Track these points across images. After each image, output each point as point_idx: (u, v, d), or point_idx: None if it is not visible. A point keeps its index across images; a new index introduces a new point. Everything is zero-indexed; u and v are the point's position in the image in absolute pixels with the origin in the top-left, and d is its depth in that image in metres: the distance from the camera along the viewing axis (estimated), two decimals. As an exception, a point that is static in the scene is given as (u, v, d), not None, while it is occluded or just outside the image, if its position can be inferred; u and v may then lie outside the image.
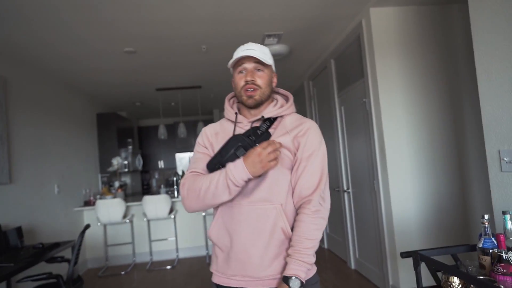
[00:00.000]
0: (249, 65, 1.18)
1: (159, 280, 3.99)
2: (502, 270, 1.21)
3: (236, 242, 1.12)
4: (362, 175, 3.29)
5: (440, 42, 2.84)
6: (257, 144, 1.09)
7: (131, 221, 4.73)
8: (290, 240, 1.12)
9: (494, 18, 1.58)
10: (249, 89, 1.17)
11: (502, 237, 1.24)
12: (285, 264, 1.09)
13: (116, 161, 4.96)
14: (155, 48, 3.44)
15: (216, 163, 1.12)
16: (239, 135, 1.14)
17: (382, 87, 2.79)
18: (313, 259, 1.11)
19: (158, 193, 5.73)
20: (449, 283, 1.30)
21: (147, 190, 7.82)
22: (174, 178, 5.28)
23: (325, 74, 4.14)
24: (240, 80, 1.19)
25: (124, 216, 4.50)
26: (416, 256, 1.42)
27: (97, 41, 3.14)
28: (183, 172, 5.15)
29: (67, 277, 2.43)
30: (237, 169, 1.03)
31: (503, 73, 1.56)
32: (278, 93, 1.35)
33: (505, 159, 1.57)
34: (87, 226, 2.72)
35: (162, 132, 5.35)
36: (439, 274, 1.55)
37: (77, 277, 2.65)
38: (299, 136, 1.17)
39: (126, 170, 5.87)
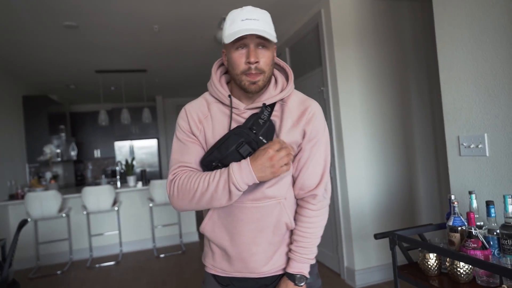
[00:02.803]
0: (251, 42, 0.95)
1: (104, 277, 3.70)
2: (472, 245, 1.31)
3: (238, 242, 1.03)
4: (317, 163, 3.37)
5: (392, 35, 3.00)
6: (261, 138, 0.96)
7: (67, 215, 4.30)
8: (291, 231, 1.08)
9: (457, 12, 1.69)
10: (252, 74, 0.96)
11: (472, 215, 1.35)
12: (287, 256, 1.07)
13: (49, 150, 4.45)
14: (101, 24, 3.12)
15: (213, 160, 0.97)
16: (241, 128, 0.97)
17: (341, 76, 2.87)
18: (316, 253, 1.08)
19: (94, 184, 5.30)
20: (426, 260, 1.38)
21: (81, 181, 7.20)
22: (117, 168, 4.92)
23: (279, 63, 4.14)
24: (239, 60, 0.96)
25: (60, 210, 4.07)
26: (393, 237, 1.48)
27: (30, 11, 2.74)
28: (126, 162, 4.82)
29: (1, 280, 2.11)
30: (243, 173, 0.90)
31: (464, 64, 1.68)
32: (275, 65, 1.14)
33: (464, 144, 1.71)
34: (24, 222, 2.39)
35: (103, 118, 4.92)
36: (410, 252, 1.65)
37: (12, 281, 2.32)
38: (305, 125, 1.03)
39: (59, 159, 5.31)
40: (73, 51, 3.81)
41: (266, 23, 0.97)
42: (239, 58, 0.96)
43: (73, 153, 6.01)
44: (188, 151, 1.03)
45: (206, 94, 1.11)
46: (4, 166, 4.28)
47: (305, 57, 3.48)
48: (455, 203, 1.44)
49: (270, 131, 0.99)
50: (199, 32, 3.53)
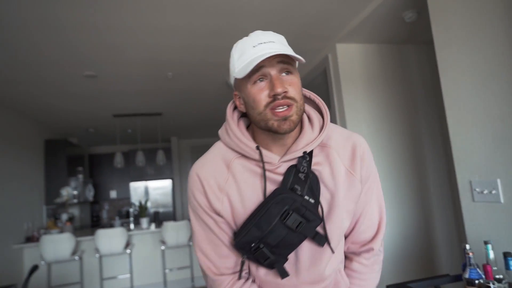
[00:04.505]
0: (272, 69, 0.74)
1: (113, 324, 3.61)
2: (491, 301, 1.23)
3: None
4: (330, 205, 3.31)
5: (399, 78, 3.03)
6: (306, 198, 0.76)
7: (80, 258, 4.29)
8: None
9: (460, 56, 1.71)
10: (281, 108, 0.73)
11: (489, 268, 1.27)
12: None
13: (66, 192, 4.54)
14: (118, 73, 3.29)
15: (252, 241, 0.75)
16: (282, 192, 0.75)
17: (350, 118, 2.88)
18: None
19: (110, 225, 5.31)
20: (442, 317, 1.29)
21: (96, 222, 7.23)
22: (130, 209, 4.94)
23: (290, 104, 4.22)
24: (259, 95, 0.74)
25: (73, 253, 4.07)
26: (406, 290, 1.40)
27: (54, 63, 2.93)
28: (140, 203, 4.85)
29: (8, 330, 2.09)
30: None
31: (471, 107, 1.67)
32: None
33: (477, 189, 1.65)
34: (35, 268, 2.40)
35: (118, 161, 5.04)
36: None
37: (20, 329, 2.30)
38: (361, 168, 0.84)
39: (76, 201, 5.40)
40: (93, 97, 4.00)
41: (283, 44, 0.79)
42: (259, 93, 0.74)
43: (90, 194, 6.10)
44: (221, 242, 0.82)
45: (220, 148, 0.86)
46: (23, 208, 4.38)
47: (314, 99, 3.53)
48: (470, 253, 1.37)
49: (314, 186, 0.78)
50: (211, 78, 3.66)
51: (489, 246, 1.36)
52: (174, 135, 7.17)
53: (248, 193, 0.79)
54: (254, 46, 0.75)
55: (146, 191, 7.11)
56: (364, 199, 0.87)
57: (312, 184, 0.78)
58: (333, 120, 3.08)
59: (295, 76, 0.78)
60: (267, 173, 0.79)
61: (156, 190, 7.17)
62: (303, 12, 2.43)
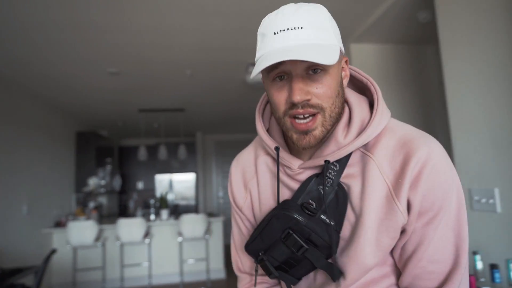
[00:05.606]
0: (294, 67, 0.57)
1: (129, 309, 3.80)
2: (472, 313, 1.20)
3: None
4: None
5: (416, 78, 2.94)
6: (323, 217, 0.61)
7: (103, 245, 4.54)
8: None
9: (464, 60, 1.65)
10: (301, 118, 0.59)
11: (472, 279, 1.24)
12: None
13: (92, 181, 4.82)
14: (139, 70, 3.44)
15: (258, 250, 0.66)
16: (285, 208, 0.62)
17: (361, 120, 2.84)
18: None
19: (134, 215, 5.56)
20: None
21: (123, 211, 7.59)
22: (152, 201, 5.15)
23: (308, 104, 4.20)
24: (278, 97, 0.60)
25: (97, 239, 4.32)
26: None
27: (80, 61, 3.12)
28: (161, 195, 5.04)
29: (27, 306, 2.28)
30: None
31: (473, 113, 1.61)
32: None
33: (476, 197, 1.60)
34: (53, 252, 2.59)
35: (142, 154, 5.26)
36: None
37: (38, 306, 2.49)
38: (410, 190, 0.58)
39: (103, 190, 5.70)
40: (117, 93, 4.21)
41: (317, 28, 0.58)
42: (278, 94, 0.60)
43: (117, 185, 6.41)
44: (246, 239, 0.77)
45: (257, 140, 0.78)
46: (54, 195, 4.69)
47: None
48: (456, 263, 1.33)
49: (340, 205, 0.63)
50: (228, 76, 3.73)
51: (477, 256, 1.33)
52: (199, 130, 7.34)
53: (265, 196, 0.72)
54: (275, 33, 0.58)
55: (171, 184, 7.36)
56: (419, 235, 0.60)
57: (338, 201, 0.63)
58: (345, 121, 3.04)
59: (328, 73, 0.58)
60: (286, 179, 0.68)
61: (180, 183, 7.40)
62: (313, 12, 2.42)
